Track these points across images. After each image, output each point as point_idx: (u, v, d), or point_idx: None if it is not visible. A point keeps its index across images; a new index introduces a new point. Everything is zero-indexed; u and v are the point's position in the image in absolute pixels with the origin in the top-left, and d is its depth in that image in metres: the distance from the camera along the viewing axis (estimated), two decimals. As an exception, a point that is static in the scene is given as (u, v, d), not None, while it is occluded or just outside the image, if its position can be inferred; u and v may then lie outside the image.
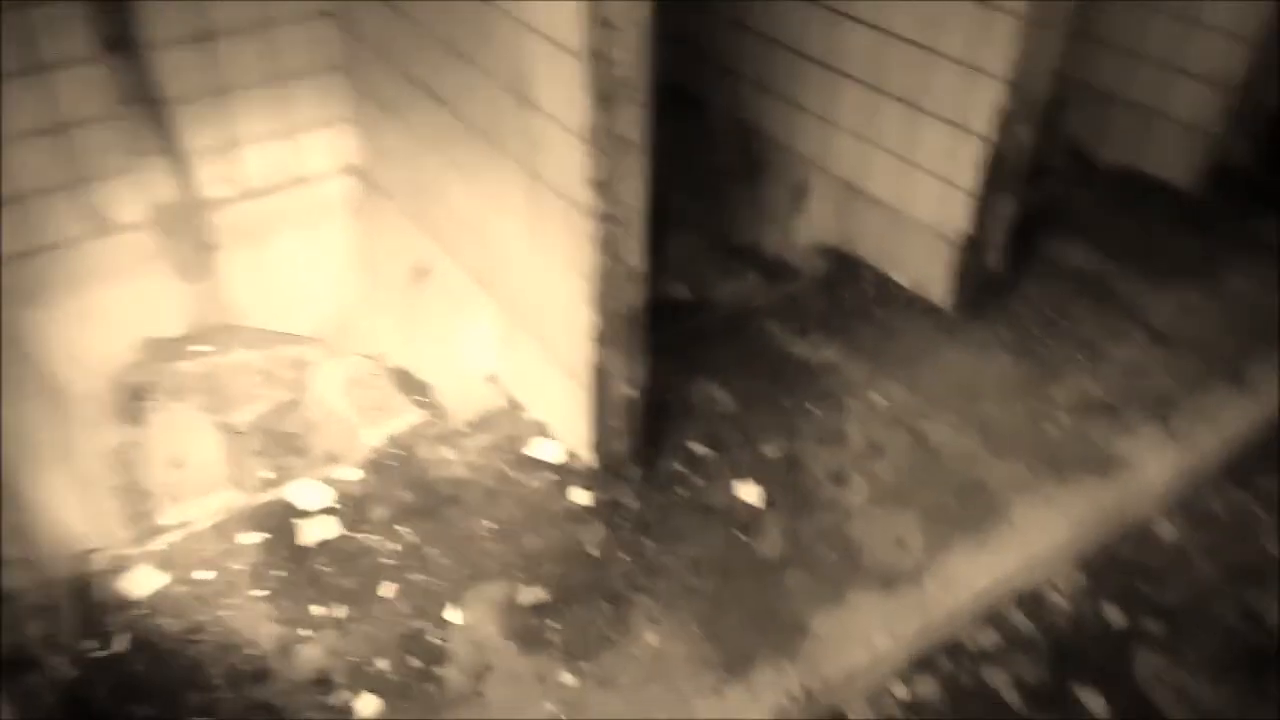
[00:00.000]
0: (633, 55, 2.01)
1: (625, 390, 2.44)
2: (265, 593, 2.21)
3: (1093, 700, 2.20)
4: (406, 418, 2.64)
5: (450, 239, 2.75)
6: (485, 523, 2.39)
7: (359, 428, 2.59)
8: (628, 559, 2.34)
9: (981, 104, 2.79)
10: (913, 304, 3.18)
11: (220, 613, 2.17)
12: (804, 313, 3.12)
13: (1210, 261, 3.45)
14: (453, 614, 2.19)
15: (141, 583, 2.23)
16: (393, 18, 2.59)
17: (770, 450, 2.63)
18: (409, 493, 2.45)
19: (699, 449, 2.62)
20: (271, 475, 2.52)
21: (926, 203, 3.08)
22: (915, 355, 2.98)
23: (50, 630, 2.04)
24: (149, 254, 2.75)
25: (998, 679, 2.22)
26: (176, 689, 2.03)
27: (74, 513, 2.32)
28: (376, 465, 2.52)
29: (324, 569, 2.27)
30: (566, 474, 2.52)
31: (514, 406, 2.70)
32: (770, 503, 2.49)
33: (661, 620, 2.21)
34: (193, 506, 2.41)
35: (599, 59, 1.98)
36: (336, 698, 2.02)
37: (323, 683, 2.05)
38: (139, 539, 2.33)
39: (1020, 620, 2.35)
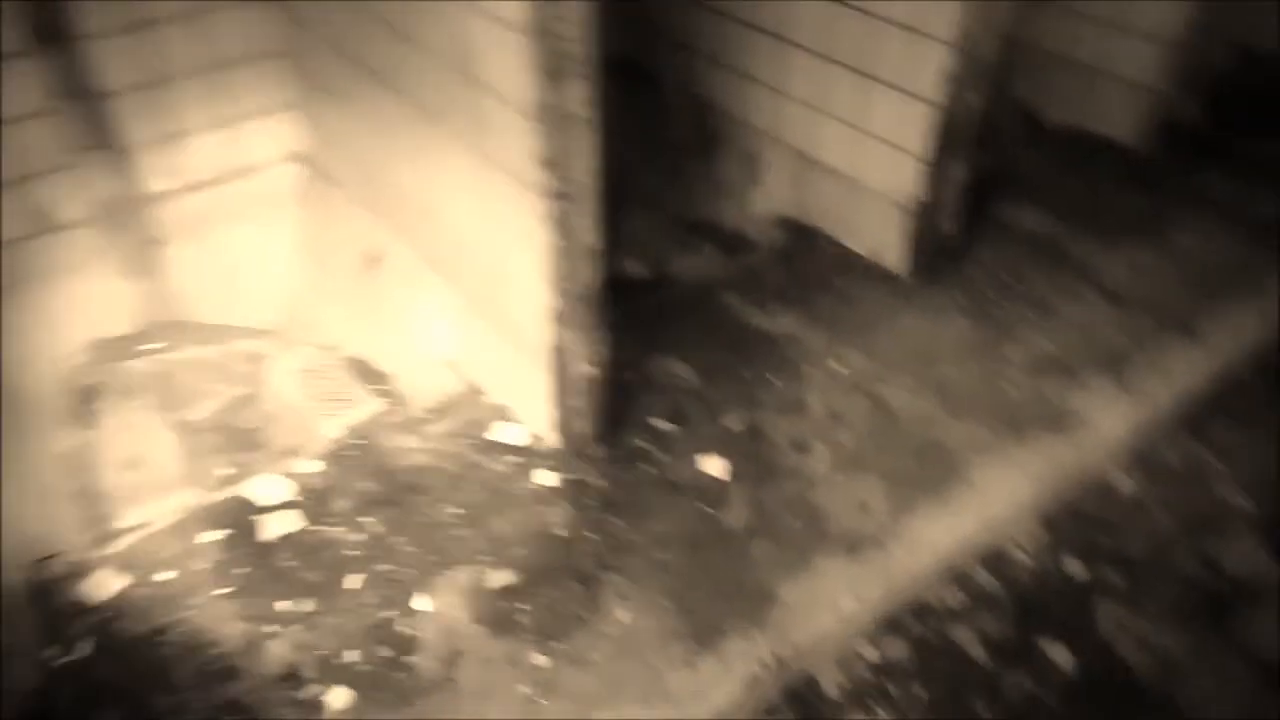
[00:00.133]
0: (579, 30, 1.99)
1: (586, 369, 2.43)
2: (229, 590, 2.19)
3: (1058, 653, 2.24)
4: (365, 407, 2.61)
5: (402, 224, 2.72)
6: (450, 509, 2.38)
7: (317, 419, 2.56)
8: (595, 538, 2.34)
9: (929, 69, 2.80)
10: (869, 271, 3.20)
11: (184, 613, 2.15)
12: (762, 284, 3.13)
13: (1159, 219, 3.50)
14: (421, 602, 2.18)
15: (102, 586, 2.19)
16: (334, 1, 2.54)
17: (733, 422, 2.64)
18: (371, 482, 2.43)
19: (662, 425, 2.62)
20: (230, 472, 2.48)
21: (879, 170, 3.09)
22: (872, 322, 3.00)
23: (10, 639, 2.01)
24: (94, 252, 2.69)
25: (964, 637, 2.25)
26: (143, 692, 2.00)
27: (30, 519, 2.28)
28: (337, 456, 2.49)
29: (288, 563, 2.24)
30: (530, 456, 2.51)
31: (474, 391, 2.68)
32: (735, 475, 2.50)
33: (631, 597, 2.22)
34: (151, 507, 2.37)
35: (545, 34, 1.95)
36: (307, 692, 2.01)
37: (292, 678, 2.03)
38: (97, 543, 2.29)
39: (984, 578, 2.38)
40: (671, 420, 2.64)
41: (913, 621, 2.27)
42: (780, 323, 2.98)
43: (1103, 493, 2.61)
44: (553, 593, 2.22)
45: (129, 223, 2.72)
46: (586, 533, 2.35)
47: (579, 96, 2.06)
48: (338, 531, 2.32)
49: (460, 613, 2.16)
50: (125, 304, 2.79)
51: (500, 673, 2.06)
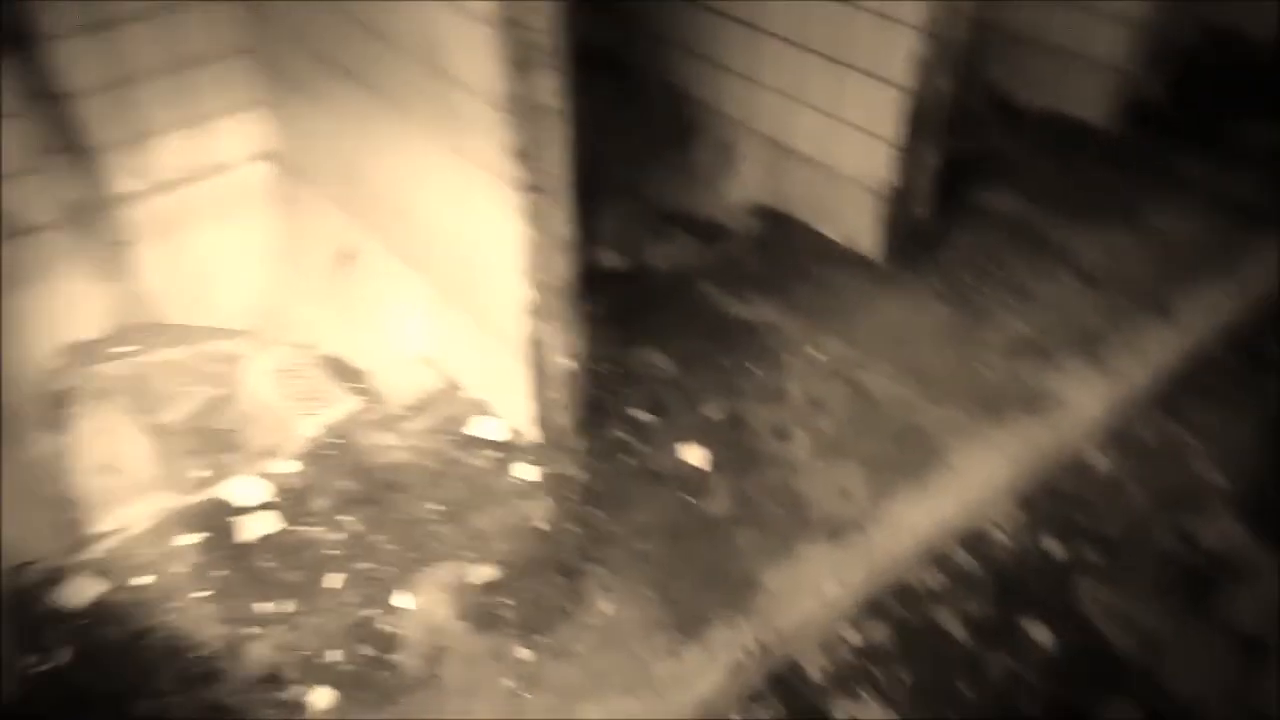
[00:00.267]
0: (547, 20, 1.98)
1: (563, 362, 2.43)
2: (209, 593, 2.17)
3: (1039, 631, 2.26)
4: (342, 405, 2.60)
5: (376, 220, 2.70)
6: (430, 505, 2.37)
7: (294, 419, 2.54)
8: (577, 530, 2.33)
9: (900, 55, 2.80)
10: (845, 258, 3.20)
11: (164, 617, 2.13)
12: (739, 273, 3.13)
13: (1131, 199, 3.52)
14: (403, 599, 2.17)
15: (80, 593, 2.17)
16: (298, -4, 2.52)
17: (712, 411, 2.64)
18: (350, 481, 2.42)
19: (642, 415, 2.62)
20: (207, 474, 2.45)
21: (853, 157, 3.09)
22: (850, 308, 3.01)
23: (-13, 649, 1.99)
24: (63, 255, 2.66)
25: (946, 618, 2.27)
26: (124, 698, 1.99)
27: (5, 526, 2.25)
28: (314, 456, 2.47)
29: (267, 565, 2.23)
30: (510, 450, 2.51)
31: (452, 386, 2.67)
32: (715, 463, 2.50)
33: (614, 588, 2.21)
34: (128, 511, 2.34)
35: (512, 25, 1.94)
36: (289, 693, 1.99)
37: (274, 679, 2.02)
38: (74, 548, 2.26)
39: (964, 559, 2.39)
40: (651, 411, 2.63)
41: (894, 604, 2.28)
42: (758, 311, 2.98)
43: (1080, 472, 2.63)
44: (535, 586, 2.21)
45: (98, 225, 2.68)
46: (568, 525, 2.34)
47: (549, 87, 2.05)
48: (317, 531, 2.30)
49: (443, 609, 2.15)
50: (96, 307, 2.76)
51: (484, 668, 2.05)
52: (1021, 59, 3.93)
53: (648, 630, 2.13)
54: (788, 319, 2.95)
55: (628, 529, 2.34)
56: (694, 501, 2.41)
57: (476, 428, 2.56)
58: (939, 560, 2.38)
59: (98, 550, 2.26)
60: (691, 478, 2.47)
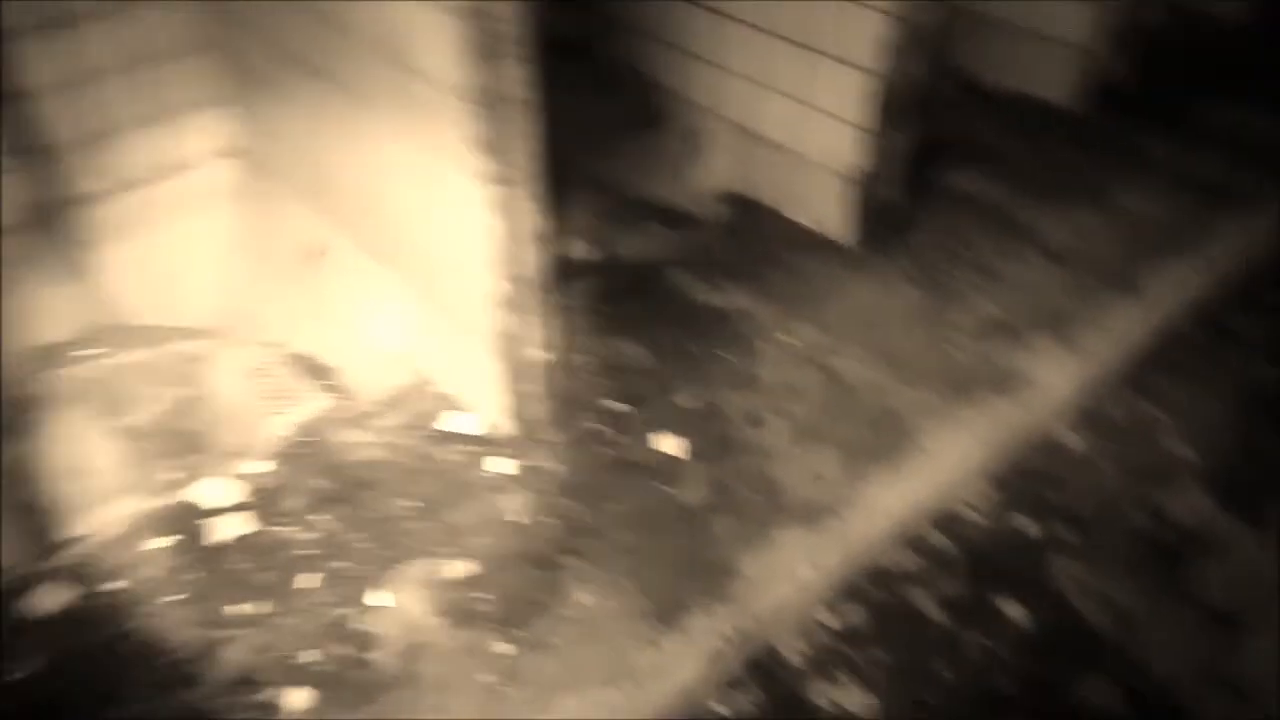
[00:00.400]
0: (512, 10, 1.96)
1: (536, 354, 2.42)
2: (182, 597, 2.15)
3: (1013, 609, 2.28)
4: (313, 404, 2.57)
5: (344, 216, 2.67)
6: (404, 502, 2.36)
7: (264, 419, 2.52)
8: (554, 522, 2.33)
9: (867, 39, 2.80)
10: (815, 243, 3.21)
11: (137, 622, 2.10)
12: (710, 261, 3.13)
13: (1099, 179, 3.55)
14: (379, 597, 2.16)
15: (51, 599, 2.14)
16: (257, -9, 2.49)
17: (687, 400, 2.64)
18: (322, 480, 2.40)
19: (616, 405, 2.62)
20: (177, 476, 2.43)
21: (821, 141, 3.09)
22: (821, 294, 3.01)
23: (-44, 659, 1.96)
24: (25, 257, 2.61)
25: (921, 599, 2.28)
26: (98, 704, 1.97)
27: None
28: (286, 455, 2.45)
29: (241, 566, 2.21)
30: (483, 444, 2.50)
31: (424, 382, 2.65)
32: (690, 452, 2.50)
33: (592, 579, 2.21)
34: (97, 516, 2.31)
35: (477, 15, 1.92)
36: (266, 695, 1.98)
37: (250, 682, 2.00)
38: (44, 555, 2.23)
39: (939, 540, 2.41)
40: (625, 400, 2.63)
41: (871, 587, 2.30)
42: (729, 298, 2.98)
43: (1051, 451, 2.66)
44: (513, 580, 2.21)
45: (60, 226, 2.64)
46: (544, 518, 2.34)
47: (515, 78, 2.03)
48: (290, 531, 2.29)
49: (419, 606, 2.15)
50: (60, 309, 2.71)
51: (462, 663, 2.05)
52: (988, 41, 3.95)
53: (626, 620, 2.13)
54: (759, 305, 2.96)
55: (604, 520, 2.34)
56: (670, 490, 2.41)
57: (449, 422, 2.55)
58: (913, 542, 2.40)
59: (68, 556, 2.23)
60: (667, 467, 2.47)
